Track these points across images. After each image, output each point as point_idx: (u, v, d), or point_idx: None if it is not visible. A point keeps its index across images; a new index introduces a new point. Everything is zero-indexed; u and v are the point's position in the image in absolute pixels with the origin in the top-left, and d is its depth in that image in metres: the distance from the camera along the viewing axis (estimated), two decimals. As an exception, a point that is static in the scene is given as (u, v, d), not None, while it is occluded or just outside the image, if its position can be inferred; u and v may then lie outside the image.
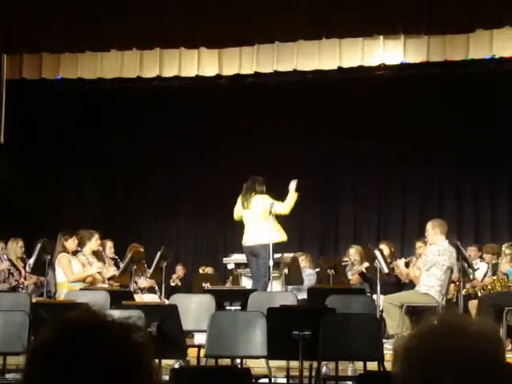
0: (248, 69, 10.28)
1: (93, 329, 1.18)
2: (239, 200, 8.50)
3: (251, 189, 8.39)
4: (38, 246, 8.13)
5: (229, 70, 10.36)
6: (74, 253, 8.14)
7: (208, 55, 10.28)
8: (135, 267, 8.38)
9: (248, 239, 8.29)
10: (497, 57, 9.56)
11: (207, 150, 12.21)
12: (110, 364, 1.16)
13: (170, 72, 10.45)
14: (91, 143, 12.34)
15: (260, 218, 8.22)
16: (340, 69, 10.01)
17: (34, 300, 7.09)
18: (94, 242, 8.30)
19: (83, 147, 12.38)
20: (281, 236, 8.27)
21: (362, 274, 9.31)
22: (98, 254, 8.41)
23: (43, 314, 4.46)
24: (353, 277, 9.44)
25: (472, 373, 1.24)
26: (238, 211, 8.50)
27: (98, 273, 8.11)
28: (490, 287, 8.42)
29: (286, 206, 8.31)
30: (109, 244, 9.00)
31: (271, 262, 7.96)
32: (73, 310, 1.27)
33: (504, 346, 1.30)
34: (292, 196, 8.41)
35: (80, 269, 8.07)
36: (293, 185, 8.44)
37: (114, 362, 1.16)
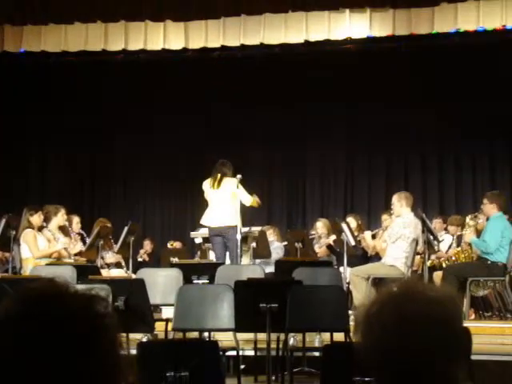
0: (215, 42, 10.20)
1: (55, 299, 1.17)
2: (206, 181, 8.42)
3: (220, 171, 8.34)
4: (3, 222, 8.02)
5: (195, 44, 10.28)
6: (40, 228, 8.06)
7: (174, 28, 10.18)
8: (102, 242, 8.35)
9: (214, 220, 8.22)
10: (461, 30, 9.63)
11: (174, 124, 12.14)
12: (73, 334, 1.16)
13: (135, 45, 10.33)
14: (55, 117, 12.19)
15: (228, 200, 8.18)
16: (306, 42, 9.99)
17: (-2, 276, 7.03)
18: (60, 218, 8.22)
19: (47, 121, 12.23)
20: (240, 221, 8.25)
21: (329, 247, 9.38)
22: (64, 230, 8.34)
23: (8, 289, 4.43)
24: (320, 250, 9.51)
25: (430, 337, 1.26)
26: (205, 191, 8.44)
27: (64, 249, 8.05)
28: (454, 258, 8.55)
29: (248, 201, 8.27)
30: (75, 219, 8.93)
31: (238, 237, 7.98)
32: (35, 282, 1.26)
33: (461, 311, 1.33)
34: (255, 202, 8.38)
35: (46, 245, 8.00)
36: (257, 199, 8.41)
37: (77, 332, 1.16)
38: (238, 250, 7.93)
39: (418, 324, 1.26)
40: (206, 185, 8.40)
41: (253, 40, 10.06)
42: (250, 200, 8.27)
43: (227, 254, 8.19)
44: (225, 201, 8.17)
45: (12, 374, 1.12)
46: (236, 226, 8.01)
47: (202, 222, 8.40)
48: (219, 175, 8.29)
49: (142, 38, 10.21)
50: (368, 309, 1.30)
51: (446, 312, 1.27)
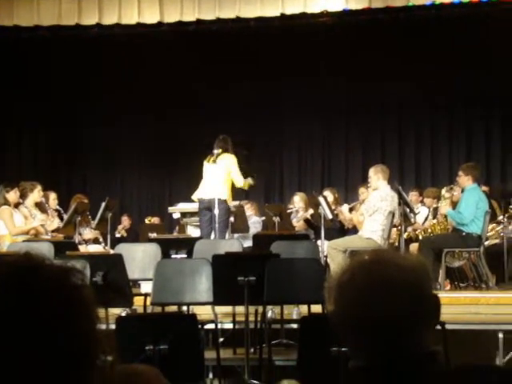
0: (190, 16, 10.12)
1: (30, 271, 1.18)
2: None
3: (221, 146, 8.31)
4: (-21, 199, 7.97)
5: (170, 17, 10.19)
6: (16, 205, 8.02)
7: (149, 2, 10.09)
8: (79, 218, 8.32)
9: (206, 193, 8.23)
10: (437, 3, 9.65)
11: (150, 99, 12.06)
12: (49, 306, 1.16)
13: (109, 19, 10.22)
14: (30, 93, 12.05)
15: (222, 175, 8.17)
16: (283, 16, 9.95)
17: (-25, 253, 6.99)
18: (36, 194, 8.17)
19: (22, 97, 12.09)
20: (230, 198, 8.29)
21: (306, 221, 9.43)
22: (40, 206, 8.29)
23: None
24: (298, 224, 9.56)
25: (400, 302, 1.29)
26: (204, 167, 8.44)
27: (41, 225, 8.02)
28: (430, 230, 8.64)
29: (240, 182, 8.27)
30: (52, 195, 8.88)
31: (216, 211, 7.99)
32: (10, 256, 1.26)
33: (431, 278, 1.36)
34: (247, 184, 8.39)
35: (22, 221, 7.96)
36: (251, 182, 8.40)
37: (53, 304, 1.16)
38: (221, 225, 7.96)
39: (388, 289, 1.29)
40: (205, 162, 8.40)
41: (228, 13, 10.00)
42: (242, 182, 8.27)
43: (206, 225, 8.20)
44: (219, 174, 8.15)
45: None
46: (224, 201, 8.03)
47: (194, 196, 8.39)
48: (220, 150, 8.27)
49: (116, 11, 10.10)
50: (340, 276, 1.33)
51: (416, 278, 1.30)
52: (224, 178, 8.17)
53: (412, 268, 1.31)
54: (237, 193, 9.74)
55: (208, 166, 8.32)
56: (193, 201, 8.48)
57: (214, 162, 8.25)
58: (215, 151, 8.24)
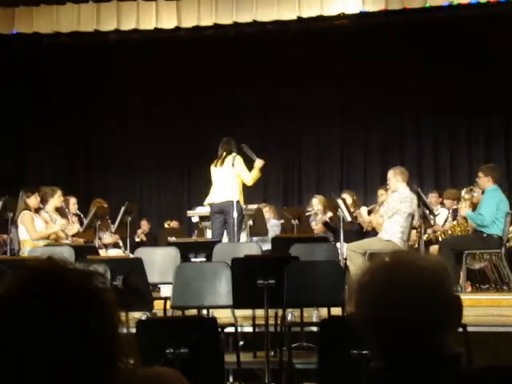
0: (207, 20, 10.16)
1: (53, 275, 1.20)
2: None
3: (225, 149, 8.33)
4: (0, 204, 8.04)
5: (188, 23, 10.23)
6: (37, 210, 8.08)
7: (166, 7, 10.14)
8: (99, 223, 8.36)
9: (216, 197, 8.24)
10: (455, 3, 9.60)
11: (168, 104, 12.12)
12: (72, 309, 1.18)
13: (128, 25, 10.28)
14: (50, 99, 12.15)
15: (230, 177, 8.17)
16: (299, 19, 9.95)
17: (-3, 258, 7.05)
18: (56, 199, 8.23)
19: (42, 103, 12.19)
20: (242, 199, 8.26)
21: (325, 224, 9.41)
22: (60, 211, 8.35)
23: (6, 270, 4.45)
24: (317, 226, 9.54)
25: (420, 304, 1.29)
26: (211, 171, 8.45)
27: (62, 230, 8.07)
28: (450, 232, 8.59)
29: (250, 178, 8.24)
30: (72, 200, 8.94)
31: (235, 214, 8.00)
32: (34, 260, 1.28)
33: (451, 279, 1.35)
34: (256, 173, 8.35)
35: (43, 226, 8.02)
36: (258, 164, 8.37)
37: (76, 307, 1.18)
38: (236, 228, 7.96)
39: (409, 291, 1.29)
40: (212, 166, 8.41)
41: (245, 17, 10.02)
42: (252, 179, 8.24)
43: (225, 232, 8.21)
44: (227, 177, 8.16)
45: (13, 350, 1.14)
46: (237, 202, 8.04)
47: (206, 201, 8.41)
48: (225, 153, 8.30)
49: (134, 17, 10.17)
50: (361, 278, 1.33)
51: (436, 279, 1.30)
52: (233, 180, 8.15)
53: (432, 269, 1.31)
54: (255, 196, 9.77)
55: (215, 170, 8.33)
56: (205, 205, 8.51)
57: (222, 164, 8.27)
58: (223, 153, 8.27)
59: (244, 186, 8.32)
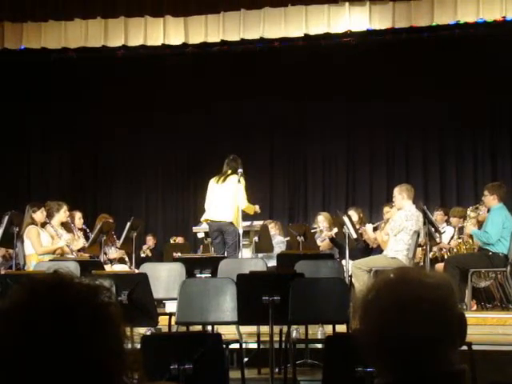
0: (214, 37, 10.21)
1: (60, 288, 1.20)
2: (213, 178, 8.41)
3: (231, 167, 8.32)
4: (6, 218, 8.05)
5: (195, 39, 10.28)
6: (43, 225, 8.10)
7: (174, 24, 10.18)
8: (105, 238, 8.37)
9: (214, 215, 8.21)
10: (461, 22, 9.64)
11: (175, 119, 12.16)
12: (78, 322, 1.18)
13: (135, 41, 10.34)
14: (57, 114, 12.22)
15: (231, 196, 8.15)
16: (306, 36, 10.00)
17: (2, 272, 7.06)
18: (62, 214, 8.24)
19: (49, 118, 12.27)
20: (240, 219, 8.18)
21: (331, 240, 9.40)
22: (66, 226, 8.36)
23: (12, 284, 4.46)
24: (322, 243, 9.53)
25: (425, 320, 1.29)
26: (210, 187, 8.42)
27: (67, 245, 8.07)
28: (455, 250, 8.57)
29: (244, 205, 8.12)
30: (78, 215, 8.94)
31: (241, 231, 8.00)
32: (40, 273, 1.29)
33: (456, 296, 1.36)
34: (249, 209, 8.29)
35: (49, 241, 8.03)
36: (256, 208, 8.35)
37: (81, 320, 1.18)
38: (233, 249, 7.97)
39: (413, 307, 1.29)
40: (212, 181, 8.39)
41: (252, 34, 10.07)
42: (246, 205, 8.15)
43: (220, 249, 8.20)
44: (227, 196, 8.14)
45: (19, 361, 1.14)
46: (233, 223, 8.04)
47: (203, 218, 8.40)
48: (230, 171, 8.28)
49: (141, 33, 10.22)
50: (365, 295, 1.33)
51: (441, 295, 1.30)
52: (231, 200, 8.10)
53: (437, 286, 1.31)
54: (261, 213, 9.74)
55: (215, 186, 8.29)
56: (201, 223, 8.50)
57: (223, 182, 8.25)
58: (227, 170, 8.25)
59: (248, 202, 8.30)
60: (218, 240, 8.20)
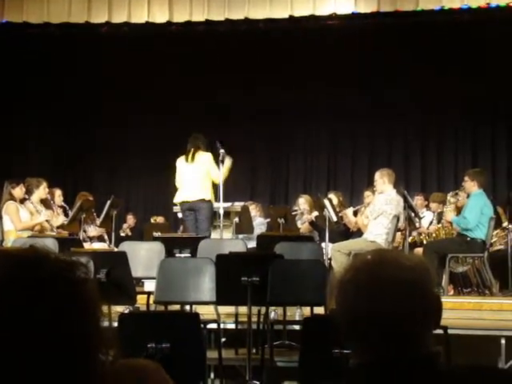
0: (199, 16, 10.13)
1: (34, 263, 1.19)
2: (180, 158, 8.40)
3: (194, 144, 8.33)
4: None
5: (179, 17, 10.20)
6: (22, 201, 8.04)
7: (158, 1, 10.10)
8: (84, 216, 8.34)
9: (187, 194, 8.20)
10: (446, 8, 9.64)
11: (157, 99, 12.08)
12: (52, 297, 1.17)
13: (119, 18, 10.23)
14: (38, 90, 12.09)
15: (202, 174, 8.17)
16: (291, 18, 9.95)
17: (-20, 248, 7.00)
18: (41, 190, 8.20)
19: (29, 94, 12.13)
20: (213, 197, 8.20)
21: (311, 223, 9.42)
22: (46, 203, 8.32)
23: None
24: (302, 226, 9.55)
25: (400, 300, 1.30)
26: (178, 167, 8.41)
27: (47, 221, 8.04)
28: (434, 235, 8.63)
29: (218, 178, 8.10)
30: (57, 192, 8.89)
31: (221, 211, 8.01)
32: (15, 248, 1.28)
33: (433, 279, 1.36)
34: (226, 172, 8.22)
35: (28, 217, 7.99)
36: (228, 163, 8.27)
37: (57, 296, 1.17)
38: (206, 225, 7.96)
39: (390, 287, 1.29)
40: (181, 161, 8.38)
41: (237, 14, 10.01)
42: (220, 177, 8.11)
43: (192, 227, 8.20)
44: (198, 175, 8.16)
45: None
46: (209, 201, 8.05)
47: (176, 200, 8.39)
48: (192, 149, 8.30)
49: (125, 10, 10.12)
50: (342, 275, 1.33)
51: (417, 276, 1.31)
52: (204, 178, 8.15)
53: (414, 267, 1.32)
54: (242, 194, 9.77)
55: (185, 166, 8.29)
56: (175, 205, 8.49)
57: (192, 161, 8.25)
58: (191, 149, 8.23)
59: (229, 183, 8.30)
60: (191, 217, 8.20)
